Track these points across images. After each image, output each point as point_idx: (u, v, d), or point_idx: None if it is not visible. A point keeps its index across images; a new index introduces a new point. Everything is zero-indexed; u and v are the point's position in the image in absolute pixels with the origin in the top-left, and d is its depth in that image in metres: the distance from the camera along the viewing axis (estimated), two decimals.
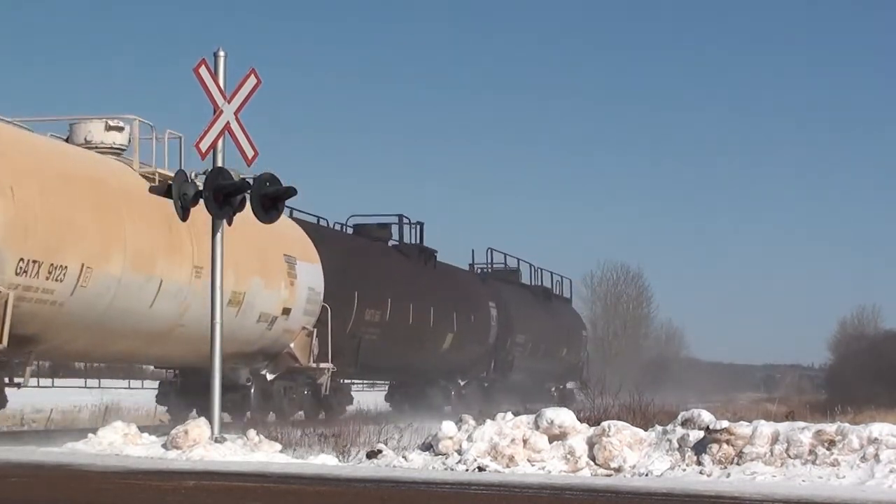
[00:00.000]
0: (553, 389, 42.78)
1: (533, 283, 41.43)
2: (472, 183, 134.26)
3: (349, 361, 24.33)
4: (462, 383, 33.45)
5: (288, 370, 22.05)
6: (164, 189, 14.30)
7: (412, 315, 27.80)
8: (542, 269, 42.76)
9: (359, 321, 24.86)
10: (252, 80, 13.99)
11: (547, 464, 11.77)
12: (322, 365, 22.16)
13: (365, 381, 33.69)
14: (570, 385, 44.07)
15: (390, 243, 29.72)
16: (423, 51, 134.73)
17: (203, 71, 13.97)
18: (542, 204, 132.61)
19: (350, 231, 28.40)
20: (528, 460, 11.85)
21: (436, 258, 31.21)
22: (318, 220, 25.86)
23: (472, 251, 39.09)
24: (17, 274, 14.70)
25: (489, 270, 38.50)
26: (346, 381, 26.39)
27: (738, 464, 11.04)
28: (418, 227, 30.58)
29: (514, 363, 36.31)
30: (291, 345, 21.80)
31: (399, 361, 28.34)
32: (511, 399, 38.38)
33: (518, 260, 41.19)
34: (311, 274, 22.21)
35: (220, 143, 14.03)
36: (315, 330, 22.08)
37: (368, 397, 31.46)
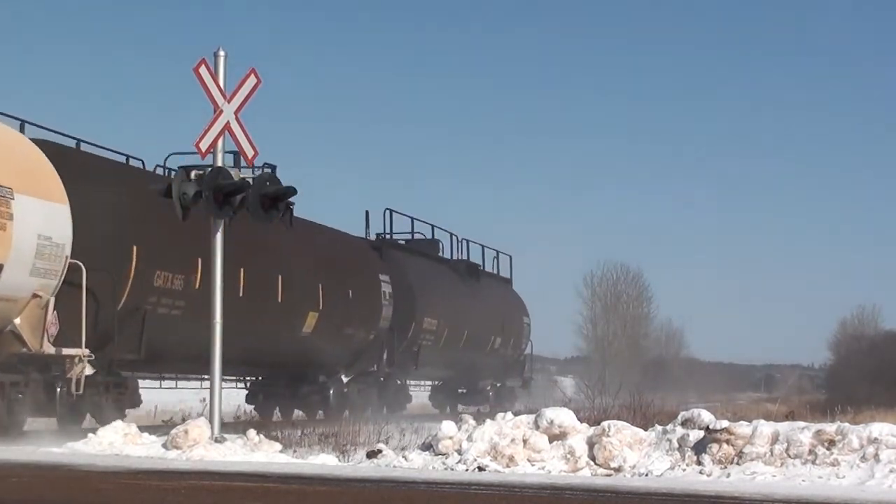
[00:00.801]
0: (489, 388, 36.36)
1: (457, 258, 33.82)
2: (461, 174, 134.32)
3: (129, 346, 17.47)
4: (346, 380, 25.87)
5: (14, 358, 15.31)
6: (164, 189, 14.30)
7: (245, 284, 20.19)
8: (469, 241, 34.77)
9: (142, 289, 17.72)
10: (252, 80, 14.00)
11: (547, 464, 11.77)
12: (68, 351, 15.51)
13: (171, 376, 23.36)
14: (510, 383, 37.78)
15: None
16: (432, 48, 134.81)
17: (203, 71, 13.98)
18: (541, 204, 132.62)
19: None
20: (528, 460, 11.85)
21: (292, 212, 23.37)
22: (76, 145, 18.12)
23: (367, 213, 29.65)
24: None
25: (388, 237, 30.33)
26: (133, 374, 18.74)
27: (738, 464, 11.05)
28: (268, 169, 22.73)
29: (420, 354, 29.00)
30: (17, 320, 15.03)
31: (225, 347, 20.99)
32: (422, 399, 33.58)
33: (433, 227, 32.67)
34: (47, 215, 15.32)
35: (219, 142, 14.04)
36: (52, 300, 15.38)
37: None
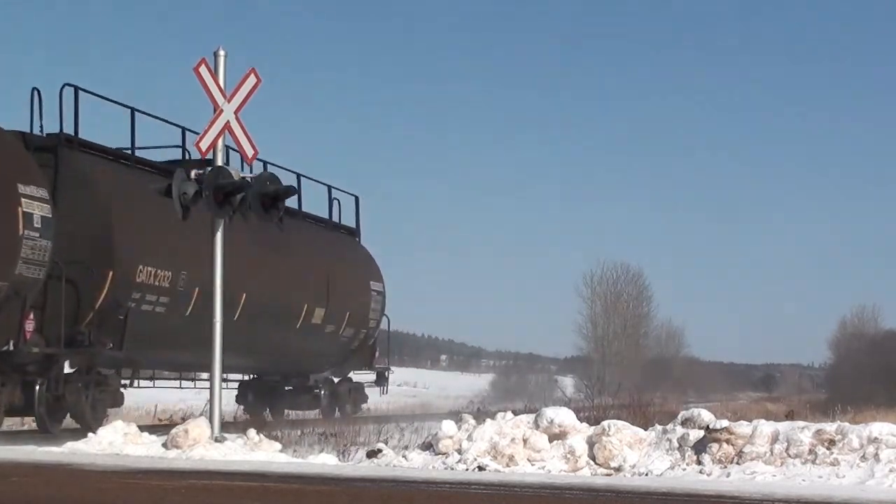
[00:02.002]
0: (321, 384, 25.88)
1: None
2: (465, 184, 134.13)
3: None
4: None
5: None
6: (164, 188, 14.29)
7: None
8: (268, 164, 21.59)
9: None
10: (252, 80, 13.99)
11: (547, 463, 11.77)
12: None
13: None
14: (359, 377, 27.55)
15: None
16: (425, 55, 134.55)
17: (203, 70, 13.98)
18: (542, 202, 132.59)
19: None
20: (528, 460, 11.85)
21: None
22: None
23: (35, 93, 17.53)
24: None
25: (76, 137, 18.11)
26: None
27: (738, 463, 11.05)
28: None
29: (132, 326, 17.75)
30: None
31: None
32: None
33: (183, 131, 20.46)
34: None
35: (219, 142, 14.04)
36: None
37: None
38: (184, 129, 20.48)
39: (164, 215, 17.71)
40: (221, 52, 14.10)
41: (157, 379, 21.57)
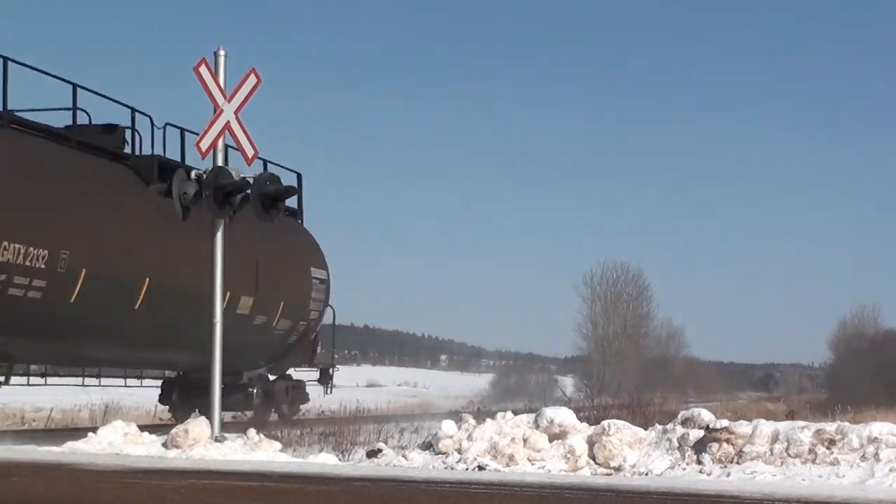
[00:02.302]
0: (254, 383, 22.57)
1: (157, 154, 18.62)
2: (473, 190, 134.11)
3: None
4: None
5: None
6: (164, 188, 14.29)
7: None
8: (185, 132, 19.61)
9: None
10: (252, 80, 13.99)
11: (547, 463, 11.78)
12: None
13: None
14: (299, 374, 24.48)
15: None
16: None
17: (203, 70, 13.97)
18: (542, 203, 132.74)
19: None
20: (528, 459, 11.86)
21: None
22: None
23: None
24: None
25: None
26: None
27: (738, 463, 11.05)
28: None
29: None
30: None
31: None
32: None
33: (75, 87, 17.92)
34: None
35: (220, 142, 14.05)
36: None
37: None
38: (75, 86, 17.86)
39: (40, 185, 15.95)
40: (221, 52, 14.10)
41: (51, 376, 19.16)
